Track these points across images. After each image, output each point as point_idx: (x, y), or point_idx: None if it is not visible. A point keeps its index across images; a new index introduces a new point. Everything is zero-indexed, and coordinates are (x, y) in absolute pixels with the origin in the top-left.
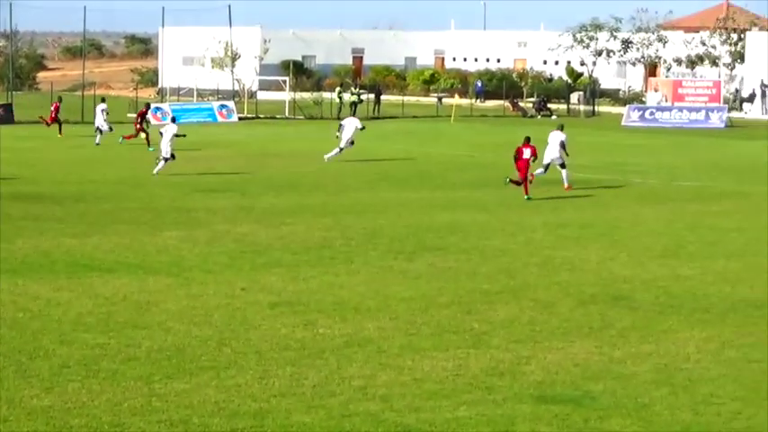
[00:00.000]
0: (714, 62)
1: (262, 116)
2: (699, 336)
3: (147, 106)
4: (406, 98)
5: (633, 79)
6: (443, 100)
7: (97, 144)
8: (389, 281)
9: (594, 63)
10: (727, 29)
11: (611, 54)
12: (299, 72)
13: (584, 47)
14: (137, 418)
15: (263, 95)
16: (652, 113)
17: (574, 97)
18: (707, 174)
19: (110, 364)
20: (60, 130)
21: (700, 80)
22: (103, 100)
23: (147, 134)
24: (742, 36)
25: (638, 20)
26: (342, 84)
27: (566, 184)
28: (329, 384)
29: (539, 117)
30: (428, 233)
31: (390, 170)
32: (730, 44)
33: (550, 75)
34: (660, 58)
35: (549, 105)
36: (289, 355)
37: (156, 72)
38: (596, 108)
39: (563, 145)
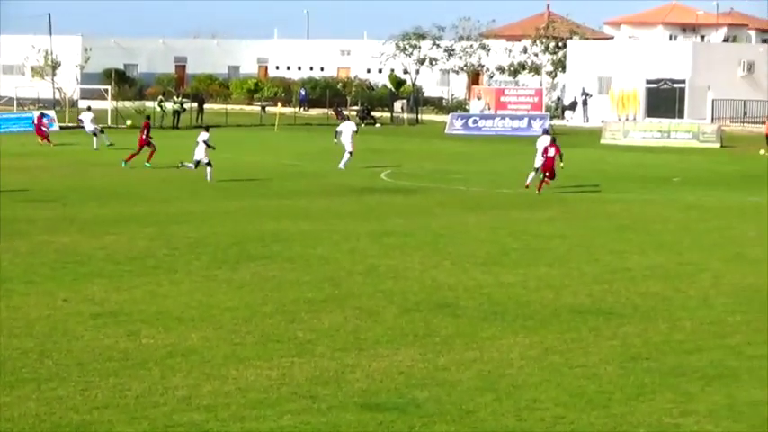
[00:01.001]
0: (536, 71)
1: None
2: (522, 342)
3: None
4: (229, 107)
5: (456, 87)
6: (267, 109)
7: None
8: (213, 290)
9: (418, 71)
10: (548, 37)
11: (435, 62)
12: (121, 81)
13: (407, 55)
14: None
15: (84, 105)
16: (475, 121)
17: (397, 105)
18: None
19: None
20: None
21: (522, 88)
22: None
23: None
24: (561, 45)
25: (460, 28)
26: (164, 93)
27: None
28: (152, 395)
29: (363, 125)
30: (252, 242)
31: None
32: (551, 53)
33: (372, 83)
34: (483, 66)
35: (372, 114)
36: (111, 365)
37: None
38: (420, 116)
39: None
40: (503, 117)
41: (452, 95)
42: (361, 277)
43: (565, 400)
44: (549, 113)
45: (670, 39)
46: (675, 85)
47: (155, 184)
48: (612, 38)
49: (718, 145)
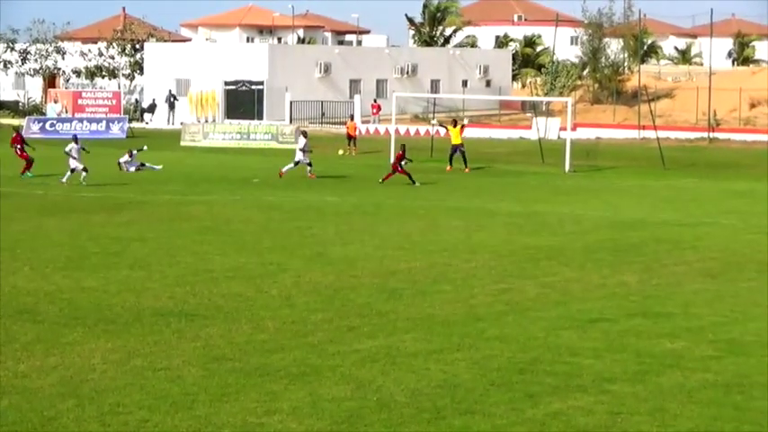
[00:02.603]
0: (113, 73)
1: None
2: (105, 346)
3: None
4: None
5: (32, 90)
6: None
7: None
8: None
9: None
10: (124, 39)
11: (9, 65)
12: None
13: None
14: None
15: None
16: (53, 125)
17: None
18: (109, 184)
19: None
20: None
21: (100, 91)
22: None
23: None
24: (139, 47)
25: (34, 31)
26: None
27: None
28: None
29: None
30: None
31: None
32: (129, 55)
33: None
34: (59, 69)
35: None
36: None
37: None
38: None
39: None
40: (81, 120)
41: (29, 98)
42: None
43: (149, 403)
44: (127, 116)
45: (247, 41)
46: (254, 87)
47: None
48: (190, 40)
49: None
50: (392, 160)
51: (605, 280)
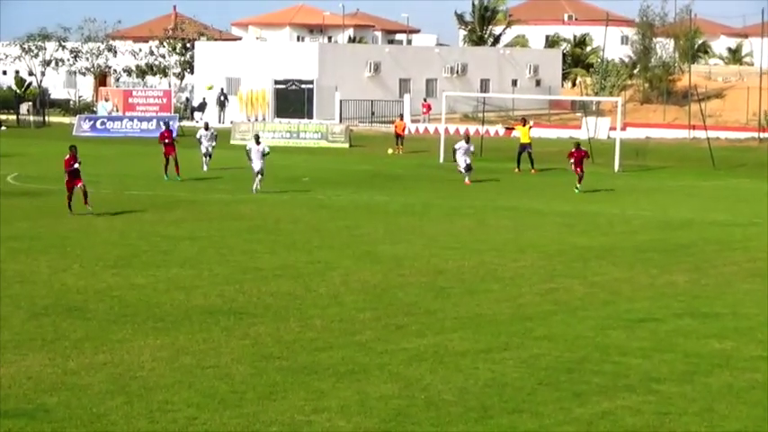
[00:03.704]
0: (164, 72)
1: None
2: (153, 344)
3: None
4: None
5: (83, 89)
6: None
7: None
8: None
9: (43, 73)
10: (175, 38)
11: (61, 63)
12: None
13: (32, 56)
14: None
15: None
16: (103, 123)
17: (23, 108)
18: (159, 183)
19: None
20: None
21: (150, 90)
22: None
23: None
24: (189, 46)
25: (86, 29)
26: None
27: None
28: None
29: None
30: None
31: None
32: (179, 54)
33: None
34: (110, 67)
35: None
36: None
37: None
38: (47, 118)
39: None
40: (131, 119)
41: (80, 97)
42: None
43: (197, 400)
44: (178, 114)
45: (297, 39)
46: (303, 86)
47: None
48: (240, 39)
49: (347, 145)
50: (572, 161)
51: (654, 280)
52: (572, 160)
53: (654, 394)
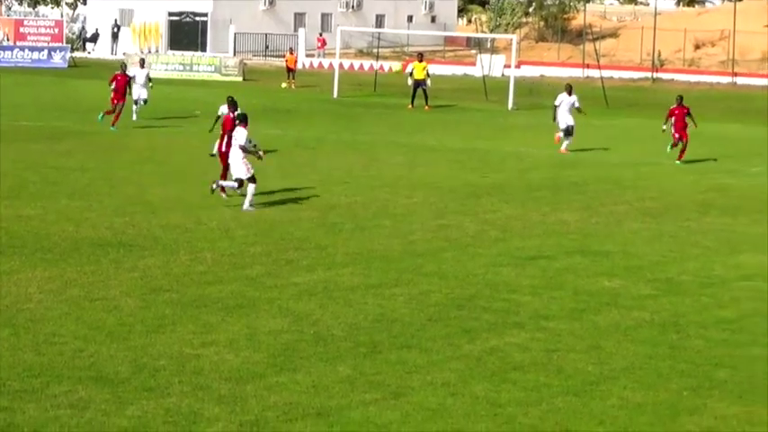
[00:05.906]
0: (56, 2)
1: None
2: (41, 275)
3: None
4: None
5: None
6: None
7: None
8: None
9: None
10: None
11: None
12: None
13: None
14: None
15: None
16: None
17: None
18: (50, 113)
19: None
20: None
21: (42, 19)
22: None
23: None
24: None
25: None
26: None
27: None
28: None
29: None
30: None
31: None
32: None
33: None
34: None
35: None
36: None
37: None
38: None
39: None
40: (22, 48)
41: None
42: None
43: (85, 333)
44: (70, 45)
45: None
46: (198, 18)
47: None
48: None
49: (240, 78)
50: (671, 120)
51: (545, 218)
52: (672, 119)
53: (542, 331)
